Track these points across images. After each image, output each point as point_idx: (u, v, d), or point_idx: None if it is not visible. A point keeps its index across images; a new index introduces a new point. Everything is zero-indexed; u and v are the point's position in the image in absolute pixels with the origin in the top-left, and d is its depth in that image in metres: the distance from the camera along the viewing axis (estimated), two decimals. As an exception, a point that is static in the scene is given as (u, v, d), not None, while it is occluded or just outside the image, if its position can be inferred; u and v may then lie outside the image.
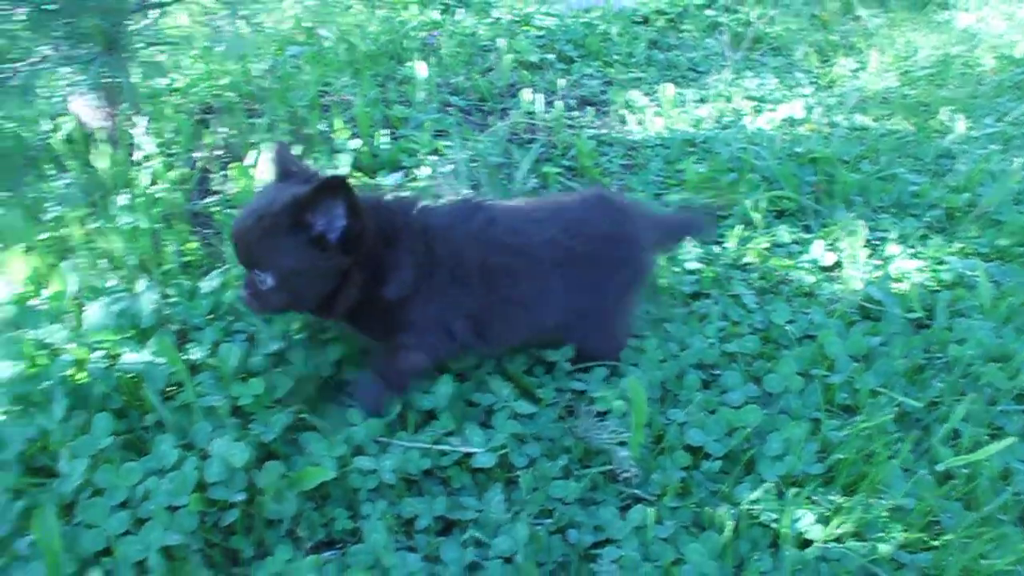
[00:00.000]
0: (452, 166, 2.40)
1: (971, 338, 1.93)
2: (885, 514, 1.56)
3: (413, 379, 1.73)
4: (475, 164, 2.46)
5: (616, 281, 1.82)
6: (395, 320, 1.65)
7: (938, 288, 2.16)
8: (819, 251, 2.27)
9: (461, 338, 1.70)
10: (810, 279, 2.18)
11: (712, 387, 1.85)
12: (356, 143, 2.50)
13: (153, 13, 1.47)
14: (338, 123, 2.55)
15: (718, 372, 1.89)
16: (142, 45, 1.47)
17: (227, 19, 2.55)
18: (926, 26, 3.86)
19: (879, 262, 2.25)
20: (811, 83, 3.29)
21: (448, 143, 2.56)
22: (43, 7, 1.41)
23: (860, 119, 3.00)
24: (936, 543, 1.54)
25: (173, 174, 2.30)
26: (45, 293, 1.88)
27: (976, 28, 3.88)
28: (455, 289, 1.65)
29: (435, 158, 2.48)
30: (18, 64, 1.54)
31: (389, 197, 1.67)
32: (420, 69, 2.91)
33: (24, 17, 1.40)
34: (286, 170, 1.63)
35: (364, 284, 1.58)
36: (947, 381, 1.84)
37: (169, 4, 1.52)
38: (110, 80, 1.66)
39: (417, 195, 1.84)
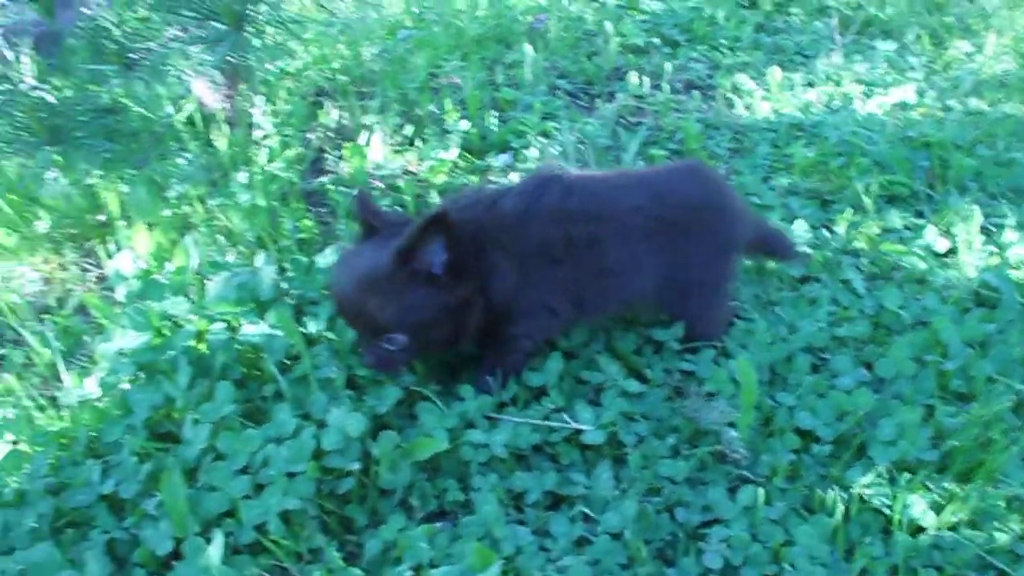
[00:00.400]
0: (560, 148, 2.40)
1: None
2: (1002, 504, 1.51)
3: (527, 360, 1.73)
4: (583, 146, 2.45)
5: (710, 251, 1.78)
6: (504, 318, 1.64)
7: (1059, 276, 2.08)
8: (932, 236, 2.20)
9: (563, 314, 1.69)
10: (923, 265, 2.12)
11: (822, 371, 1.81)
12: (465, 125, 2.51)
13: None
14: (448, 105, 2.57)
15: (827, 356, 1.85)
16: (265, 25, 1.49)
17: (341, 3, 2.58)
18: (1047, 7, 3.70)
19: (995, 249, 2.16)
20: (924, 67, 3.18)
21: (556, 125, 2.56)
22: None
23: (975, 103, 2.89)
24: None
25: (289, 153, 2.35)
26: (169, 267, 1.94)
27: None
28: (548, 269, 1.64)
29: (544, 140, 2.48)
30: (150, 44, 1.59)
31: (457, 206, 1.62)
32: (528, 50, 2.91)
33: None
34: (369, 223, 1.60)
35: (482, 302, 1.58)
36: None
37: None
38: (233, 60, 1.70)
39: (479, 188, 1.82)
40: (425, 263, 1.48)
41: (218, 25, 1.45)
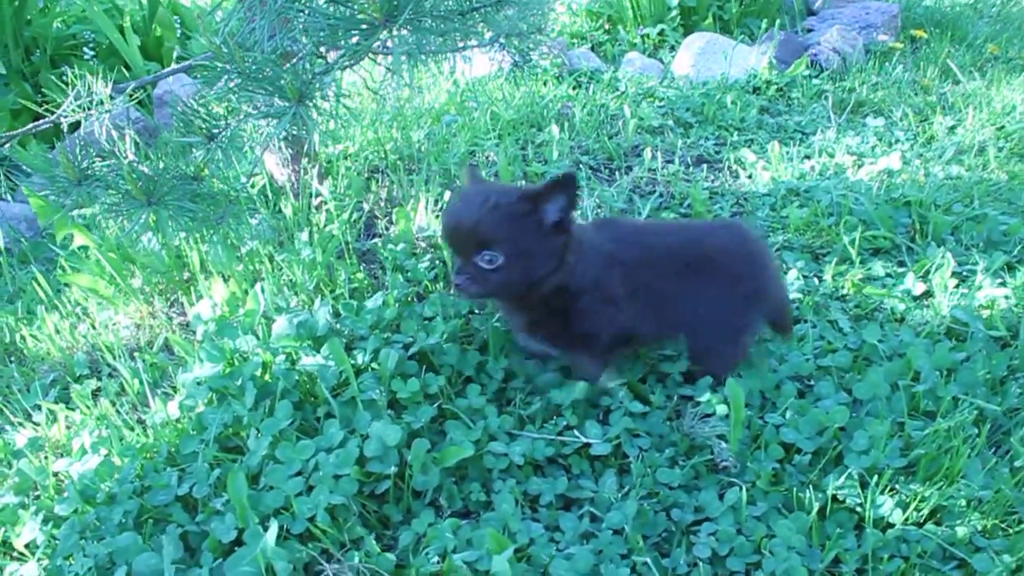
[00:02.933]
0: (580, 211, 2.52)
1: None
2: (963, 502, 1.57)
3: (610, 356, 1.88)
4: (600, 210, 2.57)
5: (734, 295, 1.87)
6: (575, 310, 1.77)
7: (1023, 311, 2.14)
8: (911, 282, 2.27)
9: (621, 316, 1.80)
10: (901, 306, 2.19)
11: (807, 396, 1.89)
12: (499, 193, 2.65)
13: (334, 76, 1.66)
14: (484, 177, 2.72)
15: (812, 383, 1.93)
16: (324, 103, 1.65)
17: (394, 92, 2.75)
18: (1021, 86, 3.78)
19: (967, 290, 2.23)
20: (909, 139, 3.27)
21: (578, 193, 2.68)
22: (251, 76, 1.61)
23: (956, 169, 2.97)
24: (1012, 531, 1.53)
25: (345, 216, 2.50)
26: (240, 312, 2.08)
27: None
28: (609, 283, 1.77)
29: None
30: (229, 120, 1.75)
31: None
32: (555, 131, 3.06)
33: (237, 82, 1.61)
34: (477, 181, 1.79)
35: (568, 267, 1.71)
36: (1025, 388, 1.83)
37: (349, 66, 1.71)
38: (296, 134, 1.84)
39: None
40: (543, 210, 1.63)
41: (281, 102, 1.61)
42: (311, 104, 1.64)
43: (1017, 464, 1.64)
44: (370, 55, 1.83)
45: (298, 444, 1.65)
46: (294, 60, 1.70)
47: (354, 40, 1.57)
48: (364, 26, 1.54)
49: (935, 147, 3.17)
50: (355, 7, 1.56)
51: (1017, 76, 3.93)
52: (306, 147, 2.61)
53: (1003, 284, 2.25)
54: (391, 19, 1.51)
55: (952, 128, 3.36)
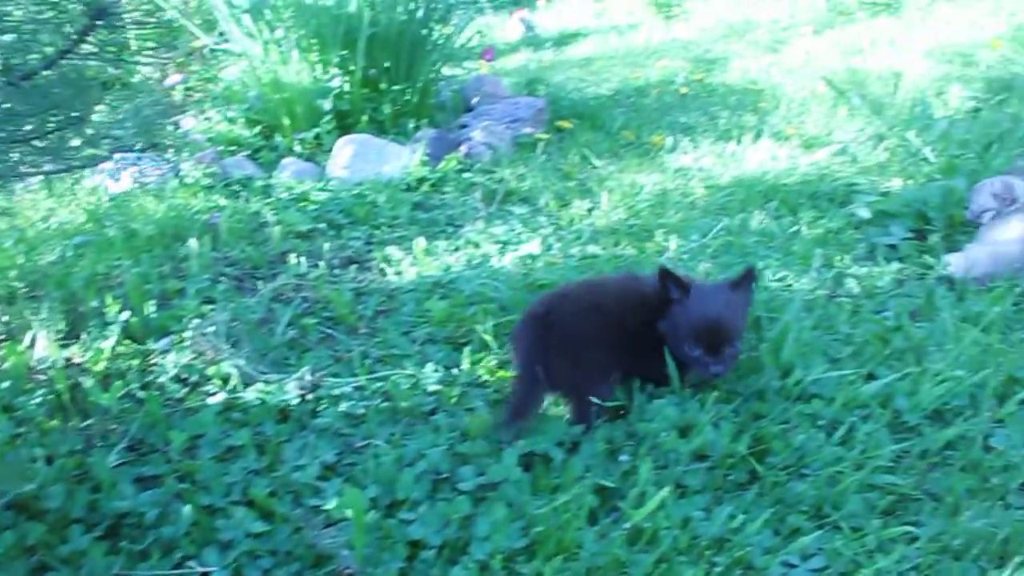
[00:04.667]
0: (213, 327, 2.45)
1: (658, 415, 2.07)
2: (582, 571, 1.64)
3: None
4: (235, 323, 2.52)
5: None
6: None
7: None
8: (544, 361, 2.40)
9: None
10: (536, 386, 2.30)
11: (443, 486, 1.91)
12: (126, 315, 2.53)
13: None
14: (109, 299, 2.58)
15: (446, 475, 1.96)
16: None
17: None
18: (651, 168, 4.20)
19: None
20: (551, 224, 3.51)
21: (213, 307, 2.62)
22: None
23: (592, 249, 3.21)
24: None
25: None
26: None
27: (691, 165, 4.24)
28: None
29: (198, 321, 2.53)
30: None
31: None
32: (194, 245, 2.98)
33: None
34: (679, 285, 2.18)
35: None
36: (638, 453, 1.97)
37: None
38: None
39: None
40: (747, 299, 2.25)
41: None
42: None
43: (626, 526, 1.75)
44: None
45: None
46: None
47: None
48: None
49: (574, 230, 3.41)
50: None
51: (647, 159, 4.37)
52: None
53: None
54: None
55: (590, 210, 3.65)
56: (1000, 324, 2.53)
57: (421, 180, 3.96)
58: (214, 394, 2.21)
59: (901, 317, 2.58)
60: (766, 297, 2.66)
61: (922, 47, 6.36)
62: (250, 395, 2.20)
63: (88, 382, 2.24)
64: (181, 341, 2.45)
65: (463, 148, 4.36)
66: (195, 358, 2.35)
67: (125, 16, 1.92)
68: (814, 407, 2.15)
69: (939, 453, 2.04)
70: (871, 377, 2.30)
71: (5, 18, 1.68)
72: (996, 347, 2.39)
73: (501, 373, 2.33)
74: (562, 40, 9.23)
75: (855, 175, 3.88)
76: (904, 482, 1.93)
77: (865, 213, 3.37)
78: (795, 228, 3.36)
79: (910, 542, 1.75)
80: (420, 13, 4.67)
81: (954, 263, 2.93)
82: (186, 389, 2.26)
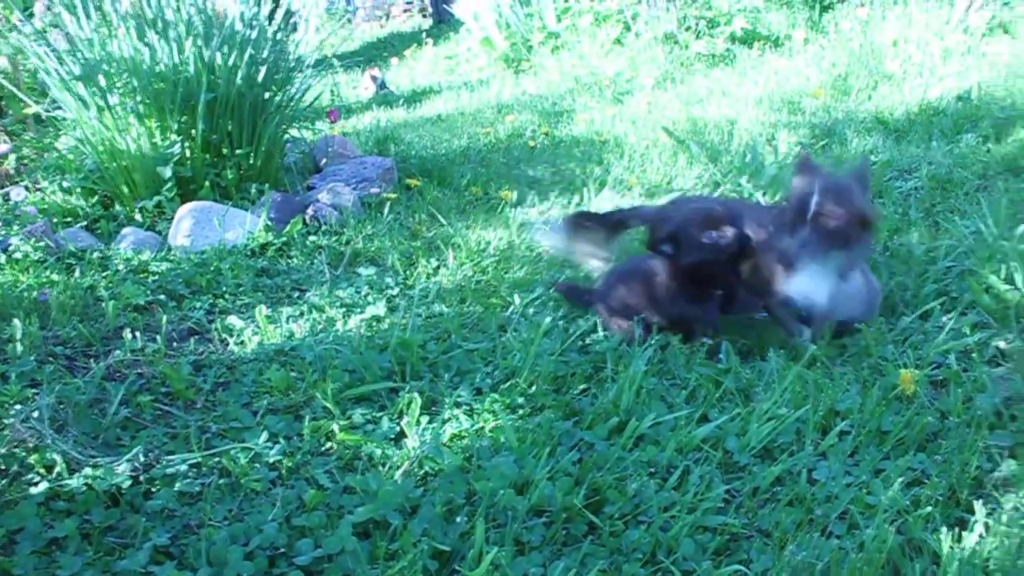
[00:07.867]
0: (36, 412, 2.36)
1: (495, 473, 2.11)
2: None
3: None
4: (62, 405, 2.43)
5: None
6: None
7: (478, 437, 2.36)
8: (386, 425, 2.41)
9: None
10: (379, 451, 2.30)
11: (279, 561, 1.89)
12: (-59, 401, 2.41)
13: None
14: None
15: (283, 549, 1.94)
16: None
17: None
18: (497, 223, 4.29)
19: (436, 425, 2.41)
20: (399, 284, 3.54)
21: (37, 391, 2.52)
22: None
23: (439, 307, 3.26)
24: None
25: None
26: None
27: (536, 219, 4.36)
28: None
29: (19, 407, 2.43)
30: None
31: None
32: (17, 325, 2.87)
33: None
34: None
35: None
36: (475, 512, 2.00)
37: None
38: None
39: None
40: None
41: None
42: None
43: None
44: None
45: None
46: None
47: None
48: None
49: (420, 289, 3.45)
50: None
51: (493, 214, 4.46)
52: None
53: (470, 412, 2.47)
54: None
55: (436, 269, 3.70)
56: (823, 358, 2.69)
57: (266, 245, 3.94)
58: (36, 483, 2.13)
59: (730, 358, 2.72)
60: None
61: (754, 95, 6.75)
62: (76, 481, 2.12)
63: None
64: (2, 426, 2.35)
65: (309, 211, 4.35)
66: (15, 446, 2.26)
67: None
68: (649, 453, 2.24)
69: (768, 490, 2.16)
70: (704, 419, 2.41)
71: None
72: (820, 382, 2.54)
73: (343, 437, 2.33)
74: (414, 97, 9.37)
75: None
76: (735, 521, 2.03)
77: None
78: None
79: (740, 580, 1.84)
80: (260, 76, 4.66)
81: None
82: (4, 481, 2.16)
